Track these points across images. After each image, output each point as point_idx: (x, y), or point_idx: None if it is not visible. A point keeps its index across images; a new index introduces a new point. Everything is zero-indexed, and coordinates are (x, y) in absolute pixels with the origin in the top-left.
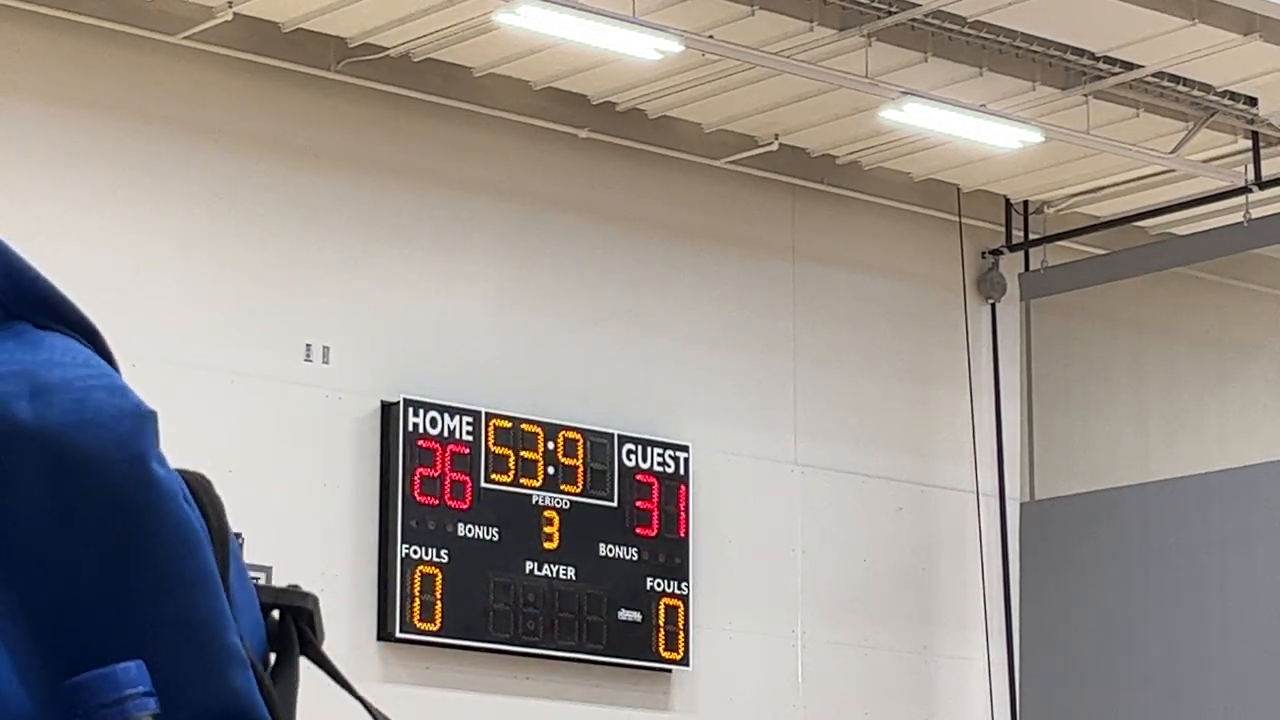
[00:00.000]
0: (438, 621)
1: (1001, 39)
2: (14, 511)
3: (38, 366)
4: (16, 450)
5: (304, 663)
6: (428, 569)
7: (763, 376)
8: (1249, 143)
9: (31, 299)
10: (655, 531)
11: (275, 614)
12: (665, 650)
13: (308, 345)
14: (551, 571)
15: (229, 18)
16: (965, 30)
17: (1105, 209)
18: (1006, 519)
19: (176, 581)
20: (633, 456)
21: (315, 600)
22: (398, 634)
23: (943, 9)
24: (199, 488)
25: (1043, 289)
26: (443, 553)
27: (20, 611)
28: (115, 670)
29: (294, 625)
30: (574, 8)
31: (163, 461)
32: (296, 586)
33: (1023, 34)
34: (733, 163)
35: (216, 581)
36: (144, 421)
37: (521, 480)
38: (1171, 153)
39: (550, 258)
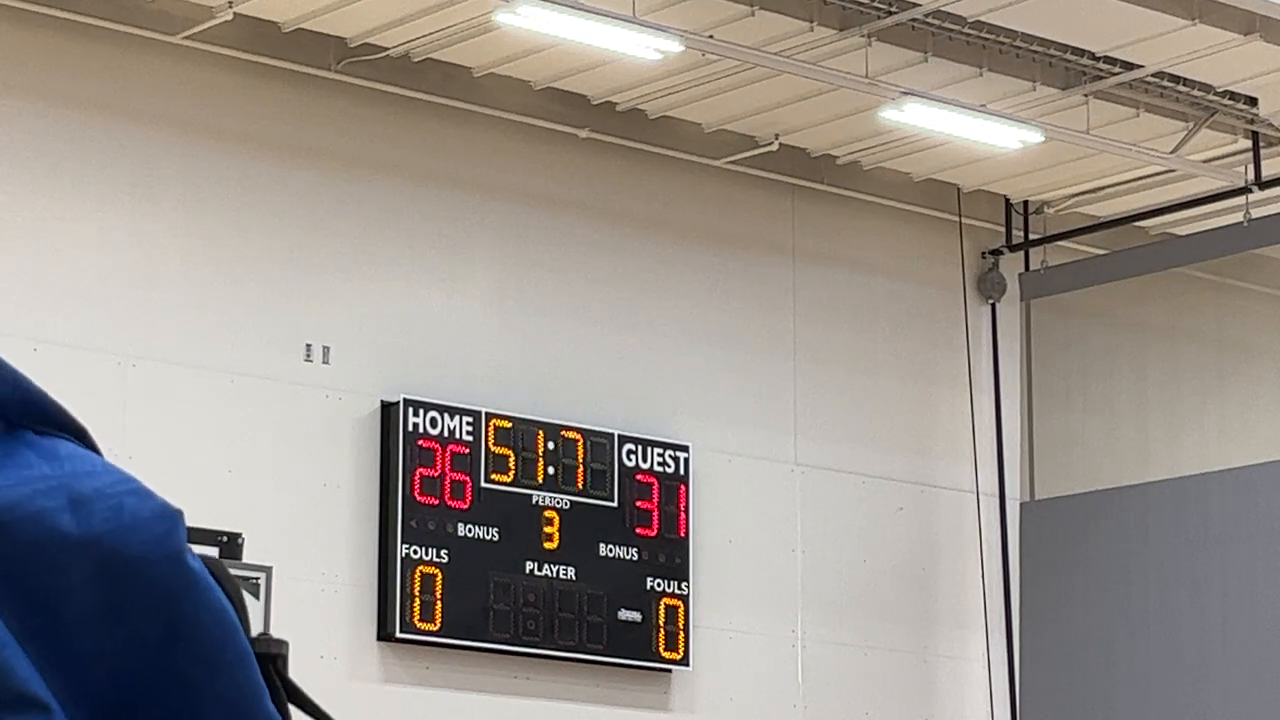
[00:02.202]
0: (438, 621)
1: (1001, 39)
2: (68, 617)
3: (68, 479)
4: (66, 561)
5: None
6: (428, 569)
7: (763, 376)
8: (1249, 143)
9: (30, 408)
10: (655, 531)
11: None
12: (665, 650)
13: (308, 345)
14: (551, 571)
15: (229, 18)
16: (965, 30)
17: (1105, 209)
18: (1006, 519)
19: (221, 662)
20: (633, 456)
21: (286, 645)
22: (398, 634)
23: (943, 9)
24: (218, 572)
25: (1043, 289)
26: (443, 553)
27: (82, 702)
28: None
29: (274, 673)
30: (574, 8)
31: (193, 555)
32: (265, 634)
33: (1023, 34)
34: (733, 163)
35: (252, 658)
36: (174, 521)
37: (522, 480)
38: (1171, 153)
39: (550, 258)
